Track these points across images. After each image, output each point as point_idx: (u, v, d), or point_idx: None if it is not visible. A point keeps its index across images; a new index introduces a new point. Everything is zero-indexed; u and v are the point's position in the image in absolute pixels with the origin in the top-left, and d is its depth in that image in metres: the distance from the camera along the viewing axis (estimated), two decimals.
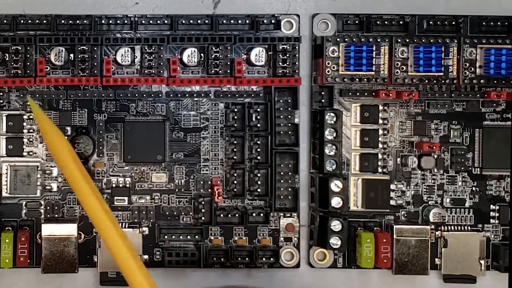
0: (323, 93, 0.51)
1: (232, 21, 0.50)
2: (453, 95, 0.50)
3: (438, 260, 0.51)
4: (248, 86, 0.50)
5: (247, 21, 0.50)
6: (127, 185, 0.51)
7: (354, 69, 0.49)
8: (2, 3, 0.50)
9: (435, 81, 0.49)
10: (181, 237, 0.50)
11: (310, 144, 0.51)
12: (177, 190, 0.51)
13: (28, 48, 0.49)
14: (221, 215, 0.50)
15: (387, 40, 0.49)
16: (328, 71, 0.49)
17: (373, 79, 0.49)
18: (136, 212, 0.51)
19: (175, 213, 0.51)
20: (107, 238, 0.41)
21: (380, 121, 0.51)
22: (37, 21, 0.49)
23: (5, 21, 0.49)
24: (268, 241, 0.51)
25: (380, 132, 0.51)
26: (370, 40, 0.49)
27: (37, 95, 0.50)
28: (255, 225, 0.51)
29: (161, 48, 0.49)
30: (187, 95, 0.50)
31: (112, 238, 0.41)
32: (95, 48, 0.49)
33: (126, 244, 0.41)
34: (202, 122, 0.51)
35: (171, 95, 0.50)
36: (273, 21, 0.50)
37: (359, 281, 0.51)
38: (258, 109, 0.50)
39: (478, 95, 0.51)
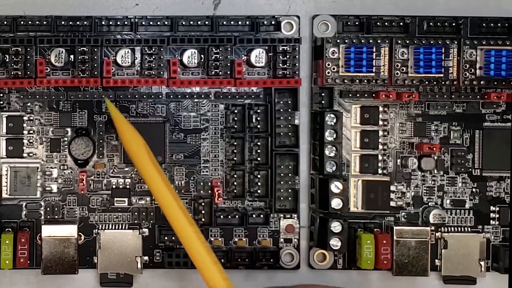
0: (323, 94, 0.51)
1: (232, 22, 0.50)
2: (453, 96, 0.50)
3: (438, 261, 0.51)
4: (248, 87, 0.50)
5: (247, 22, 0.50)
6: (127, 186, 0.51)
7: (354, 71, 0.49)
8: (2, 4, 0.50)
9: (435, 83, 0.49)
10: None
11: (310, 145, 0.51)
12: (177, 191, 0.51)
13: (28, 49, 0.49)
14: (221, 216, 0.50)
15: (387, 41, 0.49)
16: (328, 73, 0.49)
17: (373, 81, 0.49)
18: (136, 213, 0.51)
19: None
20: (183, 235, 0.44)
21: (380, 123, 0.51)
22: (37, 22, 0.49)
23: (5, 22, 0.49)
24: (268, 242, 0.51)
25: (380, 133, 0.51)
26: (370, 41, 0.49)
27: (37, 96, 0.50)
28: (255, 226, 0.51)
29: (161, 49, 0.49)
30: (187, 96, 0.50)
31: (188, 235, 0.44)
32: (95, 49, 0.49)
33: (201, 240, 0.44)
34: (202, 123, 0.51)
35: (171, 96, 0.50)
36: (273, 22, 0.50)
37: (359, 283, 0.51)
38: (258, 110, 0.50)
39: (478, 97, 0.51)
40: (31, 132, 0.50)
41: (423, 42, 0.49)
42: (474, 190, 0.51)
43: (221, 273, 0.43)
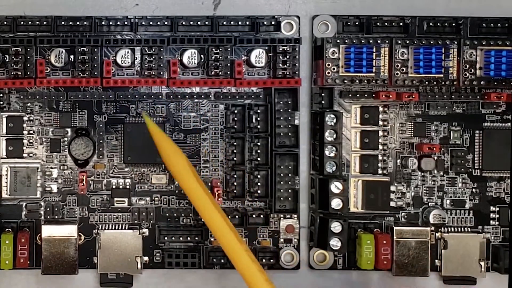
0: (323, 94, 0.51)
1: (232, 22, 0.50)
2: (453, 96, 0.50)
3: (438, 261, 0.51)
4: (248, 87, 0.50)
5: (247, 23, 0.50)
6: (127, 187, 0.51)
7: (354, 71, 0.49)
8: (2, 4, 0.50)
9: (435, 83, 0.49)
10: (181, 238, 0.50)
11: (310, 146, 0.51)
12: (177, 191, 0.51)
13: (28, 49, 0.49)
14: None
15: (387, 41, 0.49)
16: (328, 73, 0.49)
17: (373, 81, 0.49)
18: (136, 214, 0.51)
19: (175, 214, 0.51)
20: (230, 250, 0.44)
21: (380, 123, 0.51)
22: (37, 22, 0.49)
23: (5, 23, 0.49)
24: (268, 243, 0.51)
25: (380, 133, 0.51)
26: (370, 41, 0.49)
27: (37, 97, 0.50)
28: (255, 227, 0.51)
29: (161, 49, 0.49)
30: (187, 96, 0.50)
31: (234, 248, 0.44)
32: (95, 50, 0.49)
33: (248, 254, 0.44)
34: (202, 124, 0.51)
35: (171, 97, 0.50)
36: (273, 23, 0.50)
37: (359, 283, 0.51)
38: (258, 111, 0.50)
39: (478, 97, 0.51)
40: (31, 132, 0.50)
41: (423, 42, 0.49)
42: (474, 190, 0.51)
43: (267, 281, 0.44)
